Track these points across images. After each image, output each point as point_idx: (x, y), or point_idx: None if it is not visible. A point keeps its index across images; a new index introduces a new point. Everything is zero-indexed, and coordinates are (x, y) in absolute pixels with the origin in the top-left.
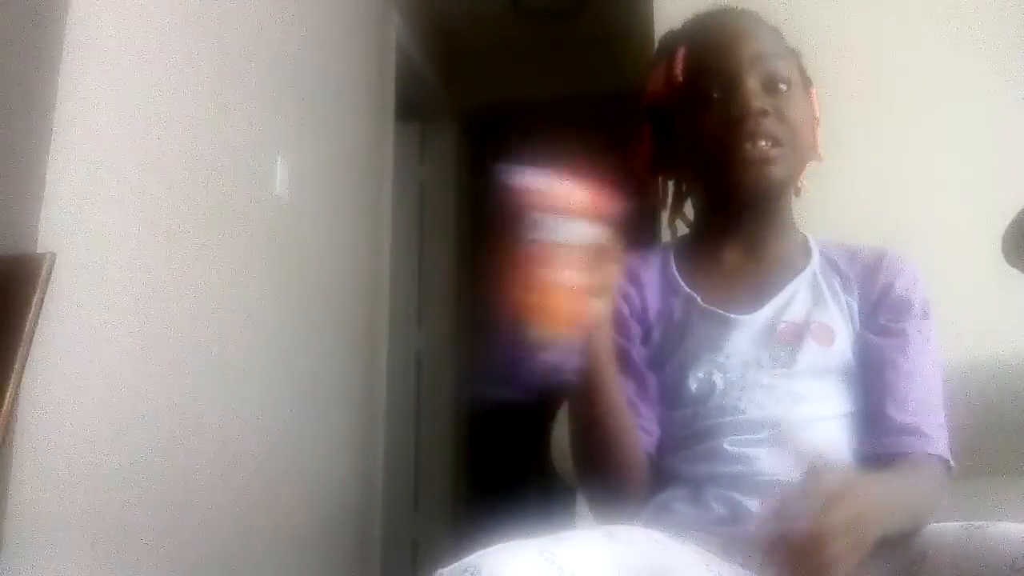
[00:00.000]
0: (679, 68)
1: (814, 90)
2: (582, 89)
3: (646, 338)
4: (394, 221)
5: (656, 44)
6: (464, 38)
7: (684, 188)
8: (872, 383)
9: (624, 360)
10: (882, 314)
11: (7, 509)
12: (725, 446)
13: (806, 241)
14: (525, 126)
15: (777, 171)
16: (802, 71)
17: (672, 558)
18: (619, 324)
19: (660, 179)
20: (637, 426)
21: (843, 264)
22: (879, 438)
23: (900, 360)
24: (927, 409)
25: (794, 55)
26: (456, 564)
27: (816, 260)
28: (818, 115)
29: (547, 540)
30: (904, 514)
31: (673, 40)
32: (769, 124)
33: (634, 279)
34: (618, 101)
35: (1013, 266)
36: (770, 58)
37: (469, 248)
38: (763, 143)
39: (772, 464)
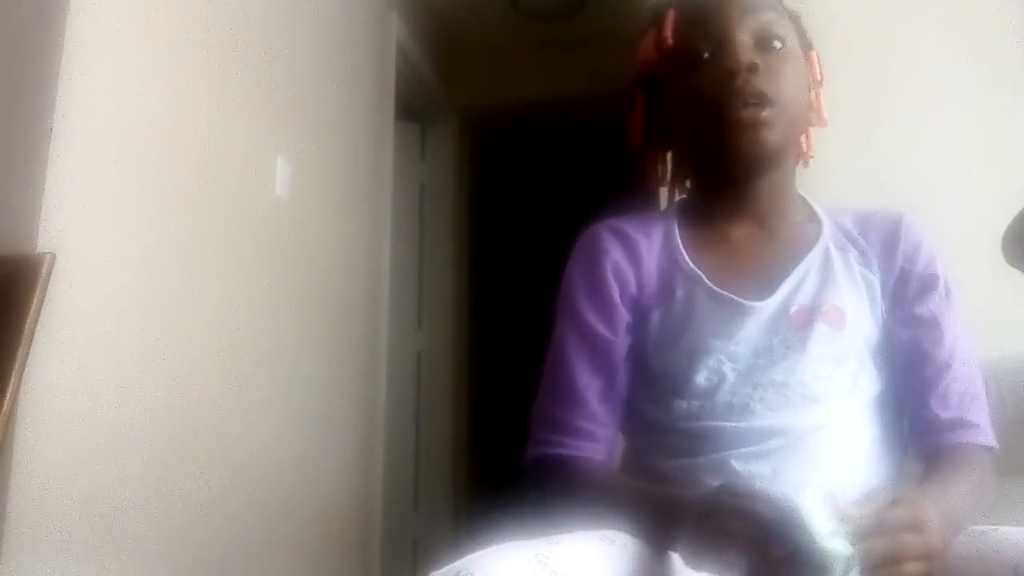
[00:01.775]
0: (669, 31)
1: (814, 53)
2: (582, 89)
3: (636, 325)
4: (394, 221)
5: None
6: (464, 38)
7: (681, 162)
8: (910, 379)
9: (601, 353)
10: (909, 297)
11: (7, 509)
12: (732, 463)
13: (812, 208)
14: (525, 126)
15: (770, 136)
16: (801, 33)
17: (668, 562)
18: (604, 310)
19: (656, 152)
20: (590, 435)
21: (858, 233)
22: (926, 437)
23: (936, 352)
24: (969, 399)
25: (792, 16)
26: (448, 567)
27: (827, 232)
28: (819, 77)
29: (541, 542)
30: (967, 514)
31: (663, 5)
32: (759, 80)
33: (633, 256)
34: (618, 101)
35: (1013, 266)
36: (762, 13)
37: (469, 248)
38: (753, 105)
39: (778, 484)
